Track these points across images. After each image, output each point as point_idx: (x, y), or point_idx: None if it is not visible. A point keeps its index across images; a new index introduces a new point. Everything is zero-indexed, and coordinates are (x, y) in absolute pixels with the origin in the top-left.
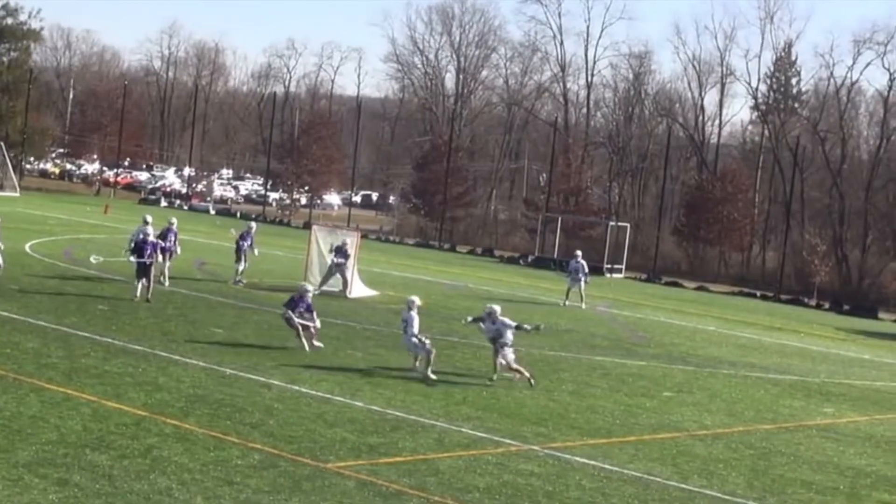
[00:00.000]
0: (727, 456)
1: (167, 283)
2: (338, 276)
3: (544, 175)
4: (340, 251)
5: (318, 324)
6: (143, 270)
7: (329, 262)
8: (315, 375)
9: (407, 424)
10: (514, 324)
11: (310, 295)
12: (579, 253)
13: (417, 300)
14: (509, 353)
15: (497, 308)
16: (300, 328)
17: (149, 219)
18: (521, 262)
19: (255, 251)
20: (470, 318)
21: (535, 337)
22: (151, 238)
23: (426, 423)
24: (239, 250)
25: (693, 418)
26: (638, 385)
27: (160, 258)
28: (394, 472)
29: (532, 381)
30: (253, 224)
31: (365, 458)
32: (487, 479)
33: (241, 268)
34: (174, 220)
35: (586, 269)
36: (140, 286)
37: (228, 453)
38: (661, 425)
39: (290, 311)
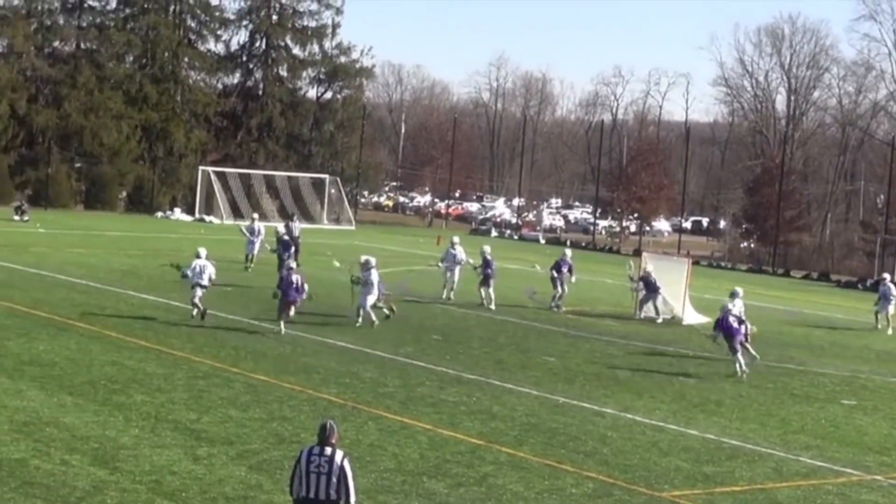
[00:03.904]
0: None
1: (493, 306)
2: (651, 304)
3: (882, 196)
4: (646, 282)
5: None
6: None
7: (631, 288)
8: (648, 403)
9: (743, 453)
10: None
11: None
12: (887, 276)
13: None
14: None
15: None
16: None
17: (456, 239)
18: (859, 286)
19: (573, 277)
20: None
21: (878, 363)
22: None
23: (763, 452)
24: (553, 279)
25: None
26: None
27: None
28: (730, 501)
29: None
30: (567, 251)
31: (700, 487)
32: None
33: (558, 293)
34: (487, 248)
35: (894, 293)
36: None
37: (563, 482)
38: None
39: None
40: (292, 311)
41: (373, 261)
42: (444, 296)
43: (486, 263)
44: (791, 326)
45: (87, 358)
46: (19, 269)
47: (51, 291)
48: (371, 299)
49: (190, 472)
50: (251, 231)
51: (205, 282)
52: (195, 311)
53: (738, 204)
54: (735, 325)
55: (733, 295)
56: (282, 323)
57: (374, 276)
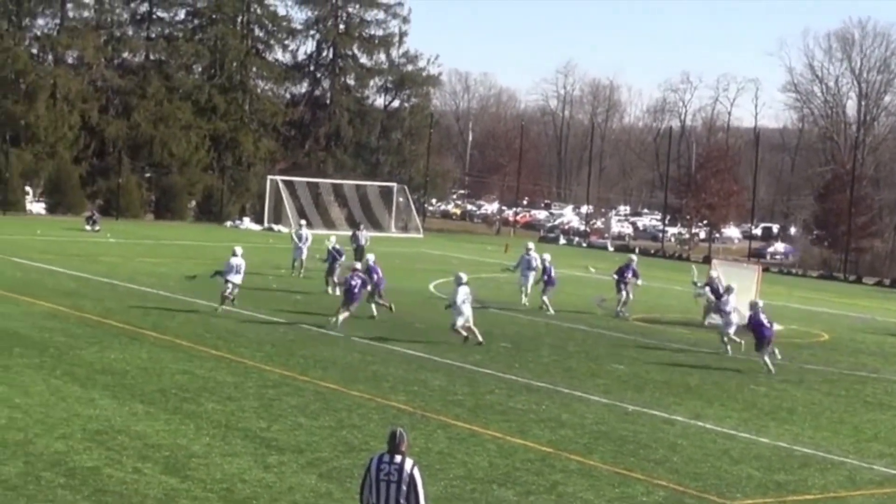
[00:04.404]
0: None
1: (550, 311)
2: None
3: None
4: (712, 288)
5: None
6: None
7: (695, 294)
8: (719, 411)
9: (816, 461)
10: None
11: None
12: None
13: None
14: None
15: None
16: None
17: (531, 245)
18: None
19: (639, 282)
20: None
21: None
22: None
23: (835, 460)
24: (618, 283)
25: None
26: None
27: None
28: None
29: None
30: (633, 257)
31: (772, 495)
32: None
33: (622, 299)
34: (547, 256)
35: None
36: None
37: (633, 490)
38: None
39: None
40: (351, 310)
41: (463, 276)
42: (522, 301)
43: (545, 270)
44: (864, 333)
45: (159, 367)
46: (91, 278)
47: (122, 300)
48: (461, 320)
49: (260, 480)
50: (299, 237)
51: (238, 279)
52: (222, 306)
53: (808, 210)
54: (766, 322)
55: (728, 290)
56: (338, 317)
57: (463, 292)
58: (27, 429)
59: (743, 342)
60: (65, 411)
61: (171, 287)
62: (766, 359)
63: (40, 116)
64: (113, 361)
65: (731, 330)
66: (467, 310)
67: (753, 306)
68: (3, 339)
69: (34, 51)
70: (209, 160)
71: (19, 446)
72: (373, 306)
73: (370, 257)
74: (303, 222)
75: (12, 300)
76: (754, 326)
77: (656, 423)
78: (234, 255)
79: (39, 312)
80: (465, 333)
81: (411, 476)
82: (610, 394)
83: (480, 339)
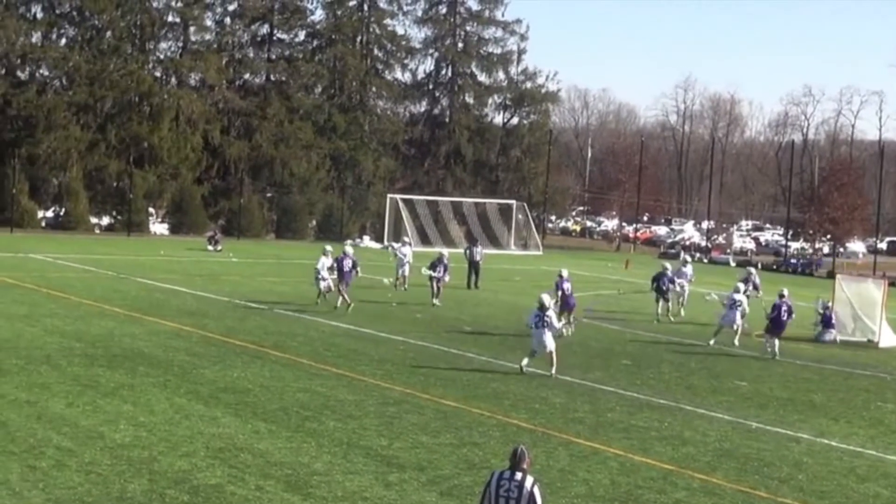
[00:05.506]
0: None
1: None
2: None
3: None
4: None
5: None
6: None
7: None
8: (845, 429)
9: None
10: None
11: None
12: None
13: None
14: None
15: None
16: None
17: (688, 258)
18: None
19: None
20: None
21: None
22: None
23: None
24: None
25: None
26: None
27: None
28: None
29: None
30: (752, 269)
31: None
32: None
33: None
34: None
35: None
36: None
37: None
38: None
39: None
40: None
41: (544, 299)
42: (677, 314)
43: (660, 280)
44: None
45: (280, 385)
46: (213, 297)
47: (244, 319)
48: (534, 345)
49: (382, 498)
50: (403, 255)
51: (322, 274)
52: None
53: None
54: (784, 318)
55: (736, 290)
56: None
57: (534, 315)
58: (151, 447)
59: (715, 341)
60: (188, 429)
61: (292, 306)
62: (775, 343)
63: (164, 138)
64: (235, 380)
65: (724, 322)
66: (538, 335)
67: (780, 296)
68: (128, 359)
69: (158, 74)
70: (329, 180)
71: (144, 464)
72: (341, 297)
73: (349, 249)
74: (406, 239)
75: (137, 320)
76: (773, 318)
77: (780, 441)
78: (323, 254)
79: (164, 332)
80: (553, 371)
81: (531, 494)
82: (733, 411)
83: (552, 371)
